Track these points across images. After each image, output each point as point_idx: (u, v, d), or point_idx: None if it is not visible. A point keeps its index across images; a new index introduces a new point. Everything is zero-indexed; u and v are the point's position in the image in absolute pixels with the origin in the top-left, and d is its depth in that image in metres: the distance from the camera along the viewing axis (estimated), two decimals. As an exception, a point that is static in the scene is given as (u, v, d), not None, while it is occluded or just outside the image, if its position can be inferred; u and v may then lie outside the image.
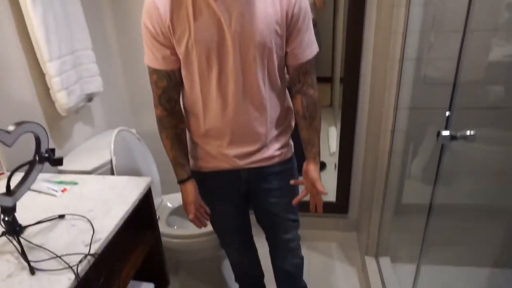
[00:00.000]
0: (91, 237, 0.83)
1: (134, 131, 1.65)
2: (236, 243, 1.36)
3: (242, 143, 1.09)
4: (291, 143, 1.21)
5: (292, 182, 1.12)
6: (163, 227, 1.52)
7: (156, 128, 1.09)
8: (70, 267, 0.74)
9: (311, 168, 1.09)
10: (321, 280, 1.75)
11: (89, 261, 0.78)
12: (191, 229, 1.51)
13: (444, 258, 1.74)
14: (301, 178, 1.16)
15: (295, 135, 1.19)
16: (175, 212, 1.68)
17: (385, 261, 1.70)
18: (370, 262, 1.72)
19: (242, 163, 1.11)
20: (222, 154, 1.10)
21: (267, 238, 1.33)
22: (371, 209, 1.69)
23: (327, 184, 2.17)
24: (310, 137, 1.12)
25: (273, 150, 1.13)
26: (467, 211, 1.73)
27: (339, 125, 1.89)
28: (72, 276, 0.73)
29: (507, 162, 1.66)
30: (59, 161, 0.82)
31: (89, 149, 1.53)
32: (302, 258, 1.34)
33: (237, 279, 1.51)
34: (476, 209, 1.75)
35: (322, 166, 2.45)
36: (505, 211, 1.72)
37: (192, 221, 1.14)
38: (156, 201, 1.68)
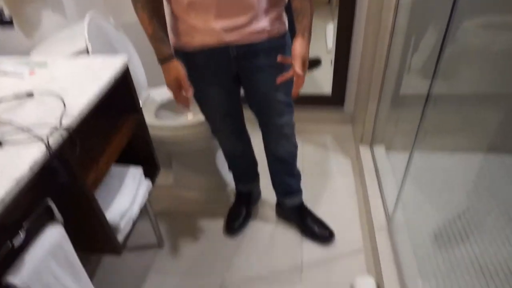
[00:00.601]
0: (62, 112, 0.77)
1: (111, 20, 1.49)
2: (228, 129, 1.32)
3: (230, 15, 0.97)
4: (286, 18, 1.09)
5: (279, 58, 1.02)
6: (152, 120, 1.48)
7: (137, 19, 0.98)
8: (41, 139, 0.69)
9: (298, 43, 0.97)
10: (315, 170, 1.77)
11: (62, 135, 0.73)
12: (182, 120, 1.47)
13: (438, 144, 1.74)
14: None
15: (289, 14, 1.06)
16: (163, 106, 1.61)
17: (379, 149, 1.70)
18: (365, 150, 1.72)
19: (230, 37, 1.00)
20: (208, 27, 0.99)
21: (260, 125, 1.28)
22: (368, 98, 1.63)
23: (323, 79, 2.09)
24: (302, 5, 0.98)
25: (264, 23, 1.01)
26: (465, 99, 1.68)
27: (336, 20, 1.73)
28: (43, 148, 0.68)
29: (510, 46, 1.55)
30: (9, 23, 0.71)
31: (62, 38, 1.40)
32: (296, 146, 1.32)
33: (230, 168, 1.52)
34: (475, 96, 1.69)
35: (317, 62, 2.33)
36: (504, 95, 1.66)
37: (178, 99, 1.07)
38: (143, 94, 1.61)
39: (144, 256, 1.45)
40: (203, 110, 1.27)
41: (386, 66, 1.53)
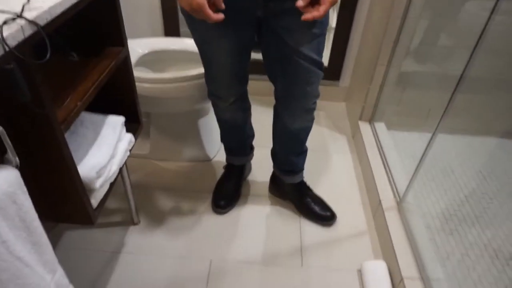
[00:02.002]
0: (24, 3, 0.52)
1: None
2: (232, 96, 1.08)
3: None
4: None
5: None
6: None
7: None
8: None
9: None
10: (310, 146, 1.60)
11: (23, 27, 0.48)
12: (166, 74, 1.24)
13: (451, 126, 1.65)
14: None
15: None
16: (144, 60, 1.36)
17: (380, 126, 1.57)
18: (364, 126, 1.58)
19: None
20: None
21: (278, 93, 1.04)
22: (372, 73, 1.49)
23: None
24: None
25: None
26: (484, 84, 1.59)
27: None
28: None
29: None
30: None
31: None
32: (313, 119, 1.10)
33: (223, 139, 1.30)
34: (493, 81, 1.60)
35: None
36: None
37: (205, 13, 0.73)
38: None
39: (115, 233, 1.20)
40: (208, 68, 1.03)
41: (396, 42, 1.40)
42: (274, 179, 1.34)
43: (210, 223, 1.25)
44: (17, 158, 0.51)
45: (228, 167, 1.35)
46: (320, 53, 0.94)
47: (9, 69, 0.45)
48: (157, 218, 1.26)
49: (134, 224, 1.23)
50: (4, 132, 0.48)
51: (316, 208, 1.26)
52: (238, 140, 1.28)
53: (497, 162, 1.55)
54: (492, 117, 1.65)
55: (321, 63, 0.95)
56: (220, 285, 1.07)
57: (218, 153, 1.52)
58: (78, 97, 0.67)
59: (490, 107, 1.61)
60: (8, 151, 0.49)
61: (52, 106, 0.56)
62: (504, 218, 1.29)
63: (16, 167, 0.51)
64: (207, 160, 1.49)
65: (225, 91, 1.08)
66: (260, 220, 1.27)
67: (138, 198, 1.30)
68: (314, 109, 1.06)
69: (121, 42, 0.83)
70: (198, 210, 1.29)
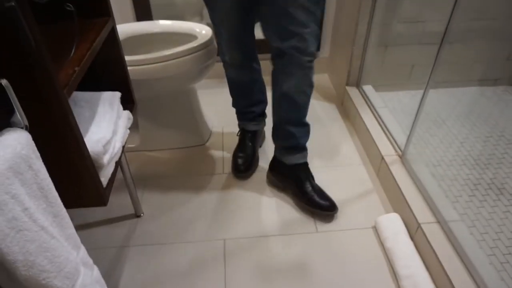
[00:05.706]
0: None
1: None
2: (238, 56, 1.16)
3: None
4: None
5: None
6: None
7: None
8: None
9: None
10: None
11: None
12: (152, 54, 1.18)
13: (438, 80, 1.68)
14: None
15: None
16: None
17: (368, 88, 1.57)
18: (353, 91, 1.58)
19: None
20: None
21: (272, 47, 1.03)
22: (353, 39, 1.49)
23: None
24: None
25: None
26: (474, 34, 1.61)
27: None
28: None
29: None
30: None
31: None
32: (311, 87, 1.06)
33: (234, 101, 1.32)
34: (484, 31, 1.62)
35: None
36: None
37: None
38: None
39: (120, 228, 1.14)
40: (218, 33, 1.14)
41: (373, 8, 1.41)
42: (273, 164, 1.25)
43: (216, 204, 1.21)
44: (25, 119, 0.46)
45: (242, 132, 1.36)
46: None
47: (10, 7, 0.40)
48: (160, 207, 1.20)
49: (138, 216, 1.18)
50: (10, 87, 0.42)
51: (317, 197, 1.15)
52: (246, 103, 1.30)
53: (482, 108, 1.59)
54: (468, 67, 1.69)
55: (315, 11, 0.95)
56: (238, 260, 1.04)
57: (211, 136, 1.48)
58: (74, 64, 0.62)
59: (467, 57, 1.65)
60: (16, 110, 0.44)
61: (52, 64, 0.51)
62: (500, 157, 1.33)
63: (26, 128, 0.46)
64: (201, 144, 1.45)
65: (230, 52, 1.15)
66: (267, 195, 1.24)
67: (137, 190, 1.24)
68: (309, 68, 1.02)
69: (107, 12, 0.78)
70: (201, 194, 1.25)
